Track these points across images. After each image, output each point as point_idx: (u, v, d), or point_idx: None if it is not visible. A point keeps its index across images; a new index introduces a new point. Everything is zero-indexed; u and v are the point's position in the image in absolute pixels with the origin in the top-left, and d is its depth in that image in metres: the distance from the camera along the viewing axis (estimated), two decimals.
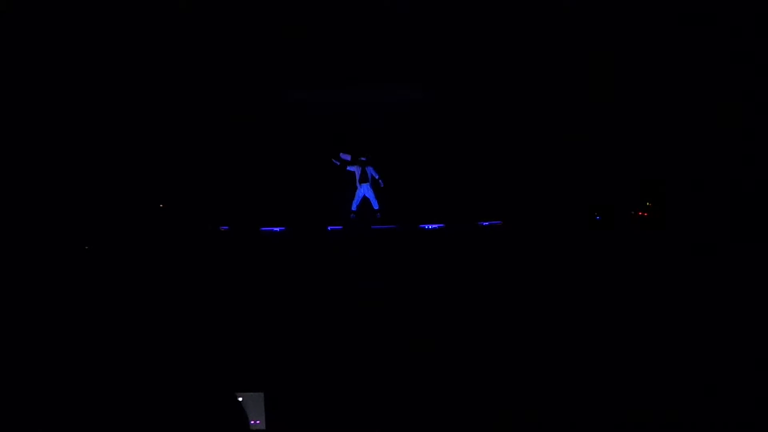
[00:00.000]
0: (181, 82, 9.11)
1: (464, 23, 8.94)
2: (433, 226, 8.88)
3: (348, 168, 9.44)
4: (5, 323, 6.47)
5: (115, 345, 6.56)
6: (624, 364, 6.53)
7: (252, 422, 4.37)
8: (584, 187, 8.89)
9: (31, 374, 6.18)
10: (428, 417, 6.35)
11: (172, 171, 9.14)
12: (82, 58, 8.43)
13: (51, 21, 8.01)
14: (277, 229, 8.78)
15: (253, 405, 4.34)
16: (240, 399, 4.37)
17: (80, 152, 8.51)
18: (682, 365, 6.43)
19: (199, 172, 9.29)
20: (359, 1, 8.74)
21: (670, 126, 8.42)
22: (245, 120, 9.61)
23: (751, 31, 7.69)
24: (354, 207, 9.37)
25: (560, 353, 6.74)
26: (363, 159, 9.39)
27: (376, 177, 9.34)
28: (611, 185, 8.74)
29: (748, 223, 7.33)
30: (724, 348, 6.44)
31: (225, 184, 9.34)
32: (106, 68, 8.62)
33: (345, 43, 9.13)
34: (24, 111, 8.15)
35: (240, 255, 8.05)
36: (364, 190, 9.34)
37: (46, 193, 8.09)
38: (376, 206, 9.39)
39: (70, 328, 6.69)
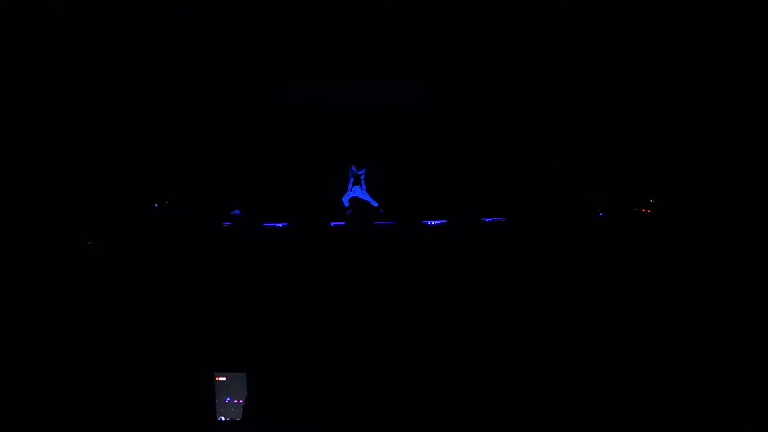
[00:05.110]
0: (182, 80, 9.21)
1: (464, 22, 8.97)
2: (436, 222, 8.87)
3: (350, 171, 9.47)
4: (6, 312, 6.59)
5: (113, 333, 6.66)
6: (625, 363, 6.52)
7: (236, 402, 4.43)
8: (587, 184, 8.87)
9: (29, 360, 6.29)
10: (426, 415, 6.36)
11: (176, 168, 9.23)
12: (80, 56, 8.54)
13: (50, 20, 8.13)
14: (280, 225, 8.84)
15: (235, 385, 4.42)
16: (223, 379, 4.45)
17: (82, 150, 8.62)
18: (683, 364, 6.41)
19: (202, 170, 9.37)
20: (359, 1, 8.79)
21: (673, 123, 8.39)
22: (247, 118, 9.68)
23: (752, 31, 7.67)
24: (345, 203, 9.29)
25: (562, 350, 6.74)
26: (355, 165, 9.39)
27: (363, 176, 9.31)
28: (615, 182, 8.70)
29: (751, 223, 7.29)
30: (724, 346, 6.41)
31: (228, 181, 9.41)
32: (105, 66, 8.73)
33: (344, 43, 9.18)
34: (24, 111, 8.26)
35: (243, 250, 8.11)
36: (355, 192, 9.29)
37: (48, 190, 8.20)
38: (375, 204, 9.36)
39: (66, 316, 6.78)
